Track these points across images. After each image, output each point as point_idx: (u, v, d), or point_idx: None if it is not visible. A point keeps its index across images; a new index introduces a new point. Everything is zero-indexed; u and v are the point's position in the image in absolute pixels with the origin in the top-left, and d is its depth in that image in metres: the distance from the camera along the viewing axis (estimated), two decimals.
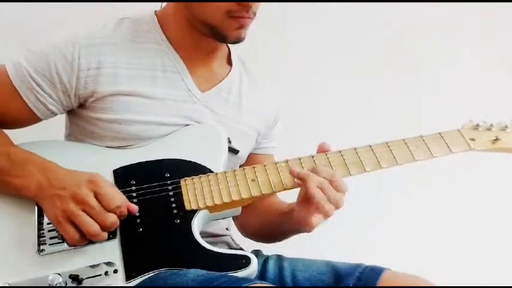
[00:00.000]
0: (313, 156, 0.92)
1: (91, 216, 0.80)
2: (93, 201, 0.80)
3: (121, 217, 0.83)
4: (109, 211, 0.81)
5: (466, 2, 1.83)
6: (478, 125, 0.96)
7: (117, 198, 0.83)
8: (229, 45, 1.09)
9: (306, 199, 0.86)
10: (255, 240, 1.18)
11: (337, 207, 0.86)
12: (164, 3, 1.04)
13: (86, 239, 0.82)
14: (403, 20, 1.82)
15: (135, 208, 0.85)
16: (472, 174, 1.72)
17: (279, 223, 1.03)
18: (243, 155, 1.09)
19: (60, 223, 0.81)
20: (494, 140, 0.94)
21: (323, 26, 1.76)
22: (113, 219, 0.82)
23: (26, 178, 0.85)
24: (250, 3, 0.90)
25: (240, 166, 1.09)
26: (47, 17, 1.49)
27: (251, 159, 1.12)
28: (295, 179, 0.89)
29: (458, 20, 1.84)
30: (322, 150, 0.93)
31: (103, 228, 0.81)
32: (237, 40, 0.96)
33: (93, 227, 0.80)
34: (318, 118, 1.73)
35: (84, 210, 0.80)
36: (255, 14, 0.94)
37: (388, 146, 0.92)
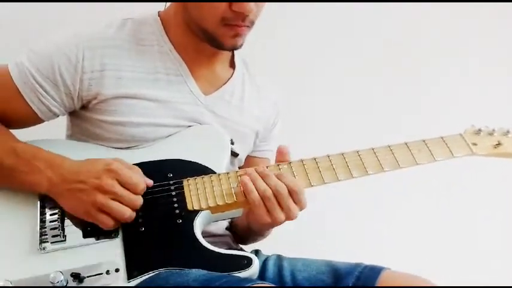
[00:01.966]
0: (315, 158, 0.91)
1: (121, 202, 0.82)
2: (120, 190, 0.83)
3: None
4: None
5: (466, 2, 1.83)
6: (480, 129, 0.96)
7: (140, 181, 0.85)
8: None
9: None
10: (245, 243, 1.17)
11: (288, 218, 0.85)
12: (168, 4, 1.03)
13: (118, 223, 0.84)
14: (403, 20, 1.82)
15: (150, 182, 0.88)
16: (473, 175, 1.72)
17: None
18: (242, 157, 1.09)
19: (91, 215, 0.83)
20: (496, 144, 0.94)
21: (323, 26, 1.76)
22: (140, 200, 0.85)
23: (36, 174, 0.85)
24: (246, 13, 0.88)
25: (238, 168, 1.09)
26: (47, 17, 1.48)
27: (247, 162, 1.12)
28: None
29: (458, 20, 1.84)
30: (281, 154, 0.91)
31: (133, 210, 0.84)
32: (233, 48, 0.95)
33: (127, 213, 0.83)
34: (317, 118, 1.73)
35: (112, 199, 0.82)
36: (252, 23, 0.93)
37: (391, 150, 0.92)
